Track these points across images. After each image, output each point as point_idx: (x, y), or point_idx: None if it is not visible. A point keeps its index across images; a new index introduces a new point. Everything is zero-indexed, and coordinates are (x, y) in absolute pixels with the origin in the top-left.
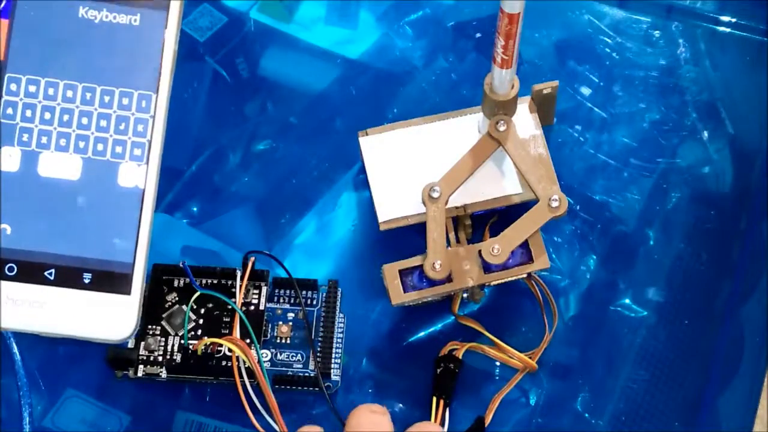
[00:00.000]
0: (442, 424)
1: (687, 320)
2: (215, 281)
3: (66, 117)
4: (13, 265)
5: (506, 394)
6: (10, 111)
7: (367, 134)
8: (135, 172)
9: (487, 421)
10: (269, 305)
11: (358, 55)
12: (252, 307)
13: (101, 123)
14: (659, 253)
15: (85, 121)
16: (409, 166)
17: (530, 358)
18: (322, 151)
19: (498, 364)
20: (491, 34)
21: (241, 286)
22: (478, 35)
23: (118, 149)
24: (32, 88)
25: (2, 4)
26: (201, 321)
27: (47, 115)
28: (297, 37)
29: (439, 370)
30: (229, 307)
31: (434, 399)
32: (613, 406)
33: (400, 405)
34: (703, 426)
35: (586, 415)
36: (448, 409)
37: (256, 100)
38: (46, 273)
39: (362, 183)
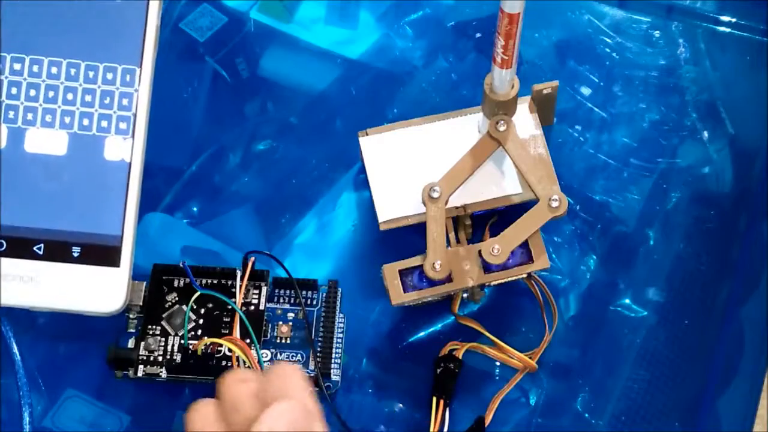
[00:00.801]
0: (442, 424)
1: (687, 320)
2: (215, 281)
3: (51, 93)
4: (2, 240)
5: (506, 394)
6: None
7: (367, 134)
8: (121, 145)
9: (487, 421)
10: (269, 305)
11: (358, 55)
12: (252, 307)
13: (86, 98)
14: (659, 253)
15: (70, 96)
16: (409, 166)
17: (530, 358)
18: (322, 151)
19: (498, 364)
20: (491, 34)
21: (241, 286)
22: (478, 35)
23: (104, 123)
24: (17, 66)
25: None
26: (201, 321)
27: (32, 92)
28: (297, 37)
29: (439, 370)
30: (229, 307)
31: (434, 399)
32: (613, 406)
33: (400, 405)
34: (703, 426)
35: (586, 415)
36: (448, 409)
37: (256, 100)
38: (35, 248)
39: (362, 183)
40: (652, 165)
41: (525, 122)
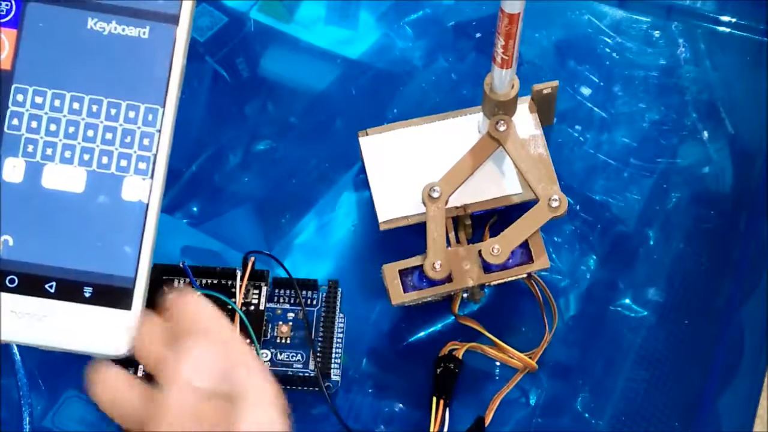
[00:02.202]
0: (442, 424)
1: (687, 320)
2: (215, 281)
3: (71, 129)
4: (15, 277)
5: (506, 394)
6: (15, 122)
7: (367, 134)
8: (139, 186)
9: (487, 421)
10: (269, 305)
11: (358, 55)
12: (252, 307)
13: (107, 136)
14: (659, 253)
15: (90, 133)
16: (409, 166)
17: (530, 358)
18: (322, 151)
19: (498, 364)
20: (491, 34)
21: (241, 286)
22: (478, 35)
23: (123, 163)
24: (39, 99)
25: (11, 14)
26: None
27: (53, 127)
28: (297, 37)
29: (439, 370)
30: (229, 307)
31: (434, 399)
32: (613, 406)
33: (400, 405)
34: (703, 426)
35: (586, 415)
36: (448, 409)
37: (256, 100)
38: (47, 286)
39: (362, 183)
40: (652, 165)
41: (525, 122)
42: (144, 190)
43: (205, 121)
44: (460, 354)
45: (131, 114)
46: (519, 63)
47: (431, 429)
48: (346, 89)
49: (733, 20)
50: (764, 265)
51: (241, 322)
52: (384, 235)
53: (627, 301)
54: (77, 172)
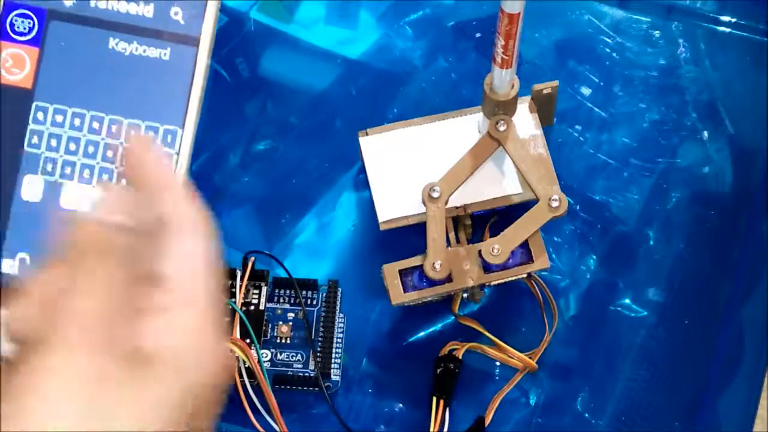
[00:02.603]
0: (442, 424)
1: (687, 320)
2: None
3: (91, 149)
4: None
5: (506, 394)
6: (35, 140)
7: (367, 134)
8: None
9: (487, 421)
10: (269, 305)
11: (358, 55)
12: (252, 307)
13: None
14: (659, 253)
15: (110, 153)
16: (409, 166)
17: (530, 358)
18: (322, 151)
19: (498, 364)
20: (491, 34)
21: (241, 286)
22: (478, 35)
23: None
24: (59, 118)
25: (33, 32)
26: None
27: (72, 146)
28: (297, 37)
29: (439, 370)
30: (229, 307)
31: (434, 399)
32: (613, 406)
33: (400, 405)
34: (703, 426)
35: (586, 415)
36: (448, 409)
37: (256, 100)
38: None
39: (362, 183)
40: (652, 165)
41: (525, 122)
42: None
43: (205, 121)
44: (460, 354)
45: (150, 135)
46: (519, 63)
47: (431, 429)
48: (346, 89)
49: (733, 20)
50: (764, 265)
51: (241, 322)
52: (384, 235)
53: (627, 301)
54: (96, 192)
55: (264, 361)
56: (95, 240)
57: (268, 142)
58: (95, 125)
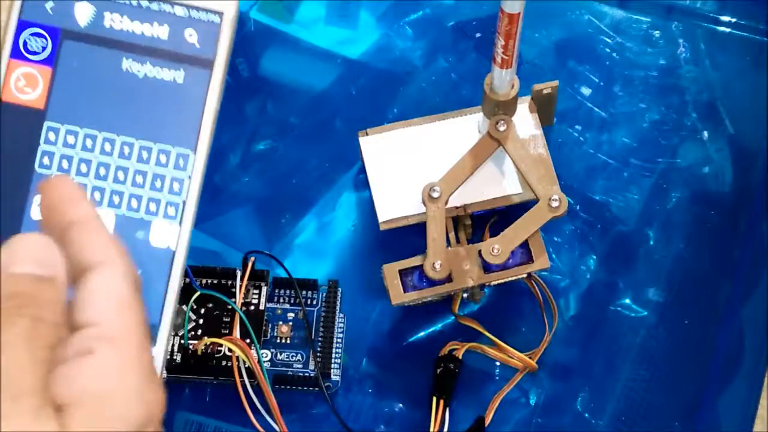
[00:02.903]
0: (442, 424)
1: (687, 320)
2: (215, 281)
3: (102, 171)
4: None
5: (506, 394)
6: (46, 161)
7: (367, 134)
8: (167, 231)
9: (487, 421)
10: (269, 305)
11: (358, 55)
12: (252, 307)
13: (137, 179)
14: (659, 253)
15: (121, 175)
16: (409, 166)
17: (530, 358)
18: (322, 151)
19: (498, 364)
20: (491, 34)
21: (241, 286)
22: (478, 35)
23: (152, 207)
24: (71, 139)
25: (47, 52)
26: (201, 321)
27: (83, 168)
28: (297, 37)
29: (439, 370)
30: (229, 307)
31: (434, 399)
32: (613, 406)
33: (400, 405)
34: (703, 426)
35: (586, 415)
36: (448, 409)
37: (256, 100)
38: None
39: (362, 183)
40: (652, 165)
41: (525, 122)
42: (172, 236)
43: None
44: (460, 354)
45: (162, 158)
46: (519, 63)
47: (431, 429)
48: (346, 89)
49: (733, 20)
50: (764, 265)
51: (241, 322)
52: (384, 235)
53: (627, 301)
54: (107, 214)
55: (264, 361)
56: (7, 292)
57: (268, 142)
58: (107, 147)
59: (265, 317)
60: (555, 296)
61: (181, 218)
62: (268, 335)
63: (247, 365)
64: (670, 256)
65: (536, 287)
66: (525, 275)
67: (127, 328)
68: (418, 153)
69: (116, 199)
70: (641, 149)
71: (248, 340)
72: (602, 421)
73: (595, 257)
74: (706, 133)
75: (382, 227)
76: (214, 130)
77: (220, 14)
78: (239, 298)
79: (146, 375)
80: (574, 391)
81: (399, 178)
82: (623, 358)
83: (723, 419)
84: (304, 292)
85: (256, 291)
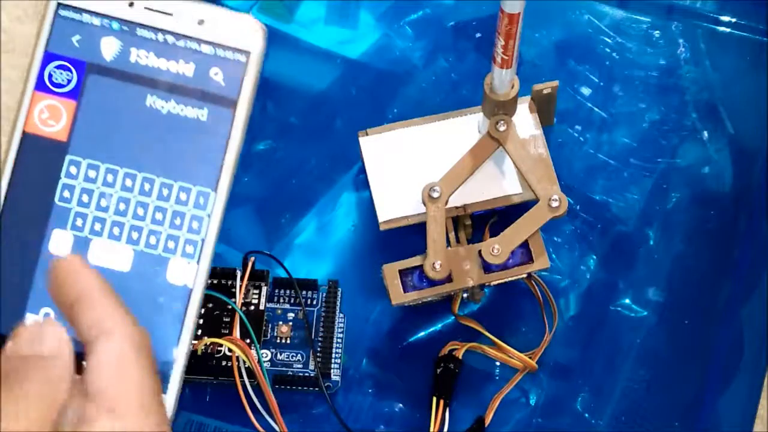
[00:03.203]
0: (442, 424)
1: (687, 320)
2: (215, 281)
3: (122, 206)
4: None
5: (506, 394)
6: (66, 194)
7: (367, 134)
8: (185, 269)
9: (487, 421)
10: (269, 305)
11: (358, 55)
12: (252, 307)
13: (157, 216)
14: (659, 253)
15: (141, 212)
16: (409, 166)
17: (530, 358)
18: (322, 151)
19: (498, 364)
20: (491, 34)
21: (241, 286)
22: (478, 35)
23: (171, 244)
24: (92, 173)
25: (72, 85)
26: (201, 321)
27: (104, 202)
28: (297, 37)
29: (439, 370)
30: (229, 307)
31: (434, 399)
32: (613, 406)
33: (400, 405)
34: (703, 426)
35: (586, 415)
36: (448, 409)
37: (256, 100)
38: (83, 363)
39: (362, 183)
40: (652, 165)
41: (525, 122)
42: (189, 274)
43: None
44: (460, 354)
45: (183, 196)
46: (519, 63)
47: (431, 429)
48: (346, 89)
49: (733, 20)
50: (764, 265)
51: (241, 322)
52: (384, 235)
53: (627, 301)
54: (125, 250)
55: (264, 361)
56: (6, 373)
57: (268, 142)
58: (128, 183)
59: (265, 317)
60: (555, 296)
61: (200, 257)
62: (268, 335)
63: (247, 365)
64: (670, 256)
65: (536, 287)
66: (525, 275)
67: (127, 398)
68: (418, 153)
69: (135, 235)
70: (641, 149)
71: (248, 340)
72: (602, 421)
73: (595, 257)
74: (706, 133)
75: (382, 227)
76: (236, 169)
77: (247, 53)
78: (239, 298)
79: None
80: (574, 391)
81: (399, 178)
82: (623, 358)
83: (723, 419)
84: (304, 292)
85: (256, 291)
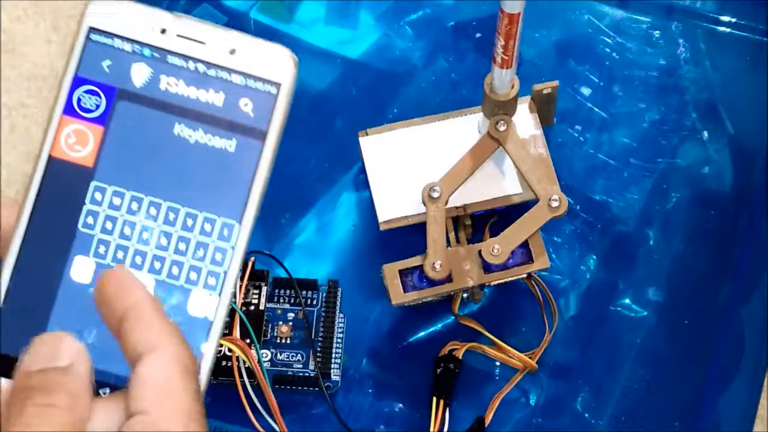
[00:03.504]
0: (442, 424)
1: (687, 320)
2: None
3: (146, 235)
4: None
5: (506, 394)
6: (90, 220)
7: (367, 134)
8: (206, 301)
9: (487, 421)
10: (269, 305)
11: (358, 55)
12: (252, 307)
13: (180, 246)
14: (659, 253)
15: (164, 241)
16: (409, 166)
17: (530, 358)
18: (322, 151)
19: (498, 364)
20: (491, 34)
21: (241, 286)
22: (478, 35)
23: (193, 276)
24: (116, 201)
25: (100, 110)
26: None
27: (127, 230)
28: (297, 37)
29: (439, 370)
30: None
31: (434, 399)
32: (613, 406)
33: (400, 405)
34: (703, 426)
35: (586, 415)
36: (448, 409)
37: None
38: (101, 391)
39: (362, 183)
40: (652, 165)
41: (525, 122)
42: (211, 306)
43: None
44: (460, 354)
45: (207, 227)
46: (519, 63)
47: (431, 429)
48: (346, 89)
49: (733, 20)
50: (764, 265)
51: (241, 322)
52: (384, 235)
53: (627, 301)
54: (146, 279)
55: (264, 361)
56: (18, 388)
57: None
58: (152, 211)
59: (265, 317)
60: (555, 296)
61: (221, 289)
62: (268, 335)
63: (247, 365)
64: (670, 256)
65: (536, 287)
66: (525, 275)
67: (168, 417)
68: (418, 153)
69: (157, 264)
70: (641, 149)
71: (248, 340)
72: (602, 421)
73: (595, 257)
74: (706, 133)
75: (382, 227)
76: (261, 201)
77: (278, 85)
78: (239, 298)
79: None
80: (574, 391)
81: (399, 178)
82: (623, 358)
83: (723, 419)
84: (304, 292)
85: (256, 291)
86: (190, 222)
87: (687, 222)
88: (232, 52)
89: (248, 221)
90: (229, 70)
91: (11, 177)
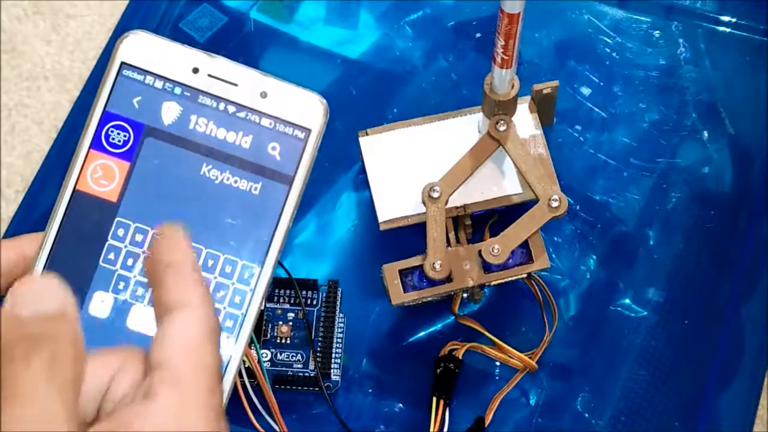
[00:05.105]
0: (442, 424)
1: (687, 320)
2: None
3: None
4: None
5: (506, 394)
6: (111, 256)
7: (367, 134)
8: (223, 344)
9: (487, 421)
10: (269, 305)
11: (358, 55)
12: None
13: None
14: (659, 253)
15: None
16: (409, 166)
17: (530, 358)
18: (322, 151)
19: (498, 364)
20: (491, 34)
21: None
22: (478, 35)
23: None
24: (138, 237)
25: (128, 146)
26: None
27: None
28: (297, 37)
29: (439, 370)
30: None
31: (434, 399)
32: (613, 406)
33: (400, 405)
34: (703, 426)
35: (586, 415)
36: (448, 409)
37: None
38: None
39: (362, 183)
40: (652, 165)
41: (525, 122)
42: (227, 349)
43: None
44: (460, 354)
45: (228, 268)
46: (519, 63)
47: (431, 429)
48: (346, 89)
49: (733, 20)
50: (764, 265)
51: None
52: (384, 235)
53: (627, 301)
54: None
55: (264, 361)
56: (17, 336)
57: None
58: None
59: (265, 317)
60: (555, 296)
61: (239, 333)
62: (268, 335)
63: (247, 365)
64: (670, 256)
65: (536, 287)
66: (525, 275)
67: (193, 372)
68: (418, 153)
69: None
70: (641, 149)
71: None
72: (602, 421)
73: (595, 257)
74: (706, 133)
75: (382, 227)
76: (283, 247)
77: (307, 131)
78: None
79: (211, 418)
80: (574, 391)
81: (399, 178)
82: (623, 358)
83: (723, 419)
84: (304, 292)
85: None
86: (210, 263)
87: (687, 222)
88: (264, 95)
89: (269, 265)
90: (260, 114)
91: (11, 177)
